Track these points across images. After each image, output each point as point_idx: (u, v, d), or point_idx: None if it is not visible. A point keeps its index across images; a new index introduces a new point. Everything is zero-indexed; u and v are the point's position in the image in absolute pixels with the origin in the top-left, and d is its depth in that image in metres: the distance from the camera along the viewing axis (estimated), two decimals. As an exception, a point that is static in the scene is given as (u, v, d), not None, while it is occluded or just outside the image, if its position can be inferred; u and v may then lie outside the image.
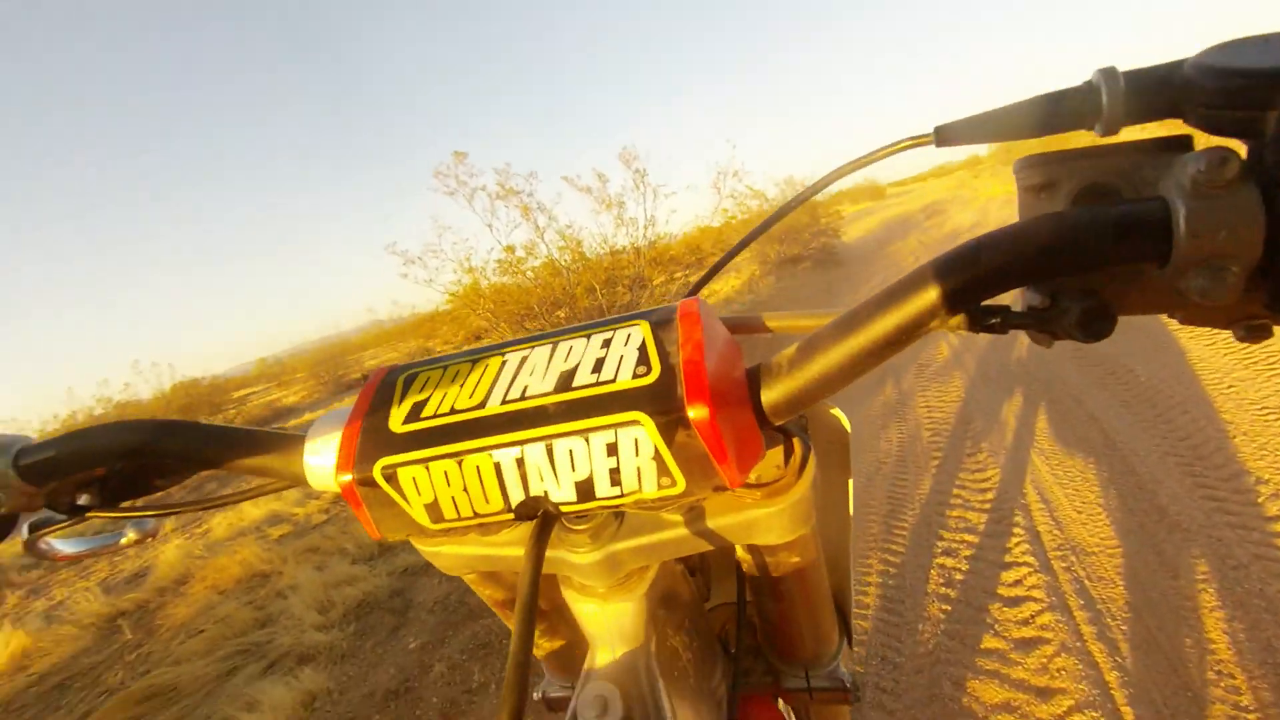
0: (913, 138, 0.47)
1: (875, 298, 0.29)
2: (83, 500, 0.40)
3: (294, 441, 0.38)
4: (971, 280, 0.27)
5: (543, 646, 0.57)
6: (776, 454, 0.37)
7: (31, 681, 3.21)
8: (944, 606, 1.83)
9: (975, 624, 1.73)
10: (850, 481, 0.51)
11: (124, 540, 0.44)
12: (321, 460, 0.36)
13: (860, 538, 2.28)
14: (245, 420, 13.19)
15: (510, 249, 5.79)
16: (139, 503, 0.42)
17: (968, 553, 2.04)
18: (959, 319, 0.31)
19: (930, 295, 0.28)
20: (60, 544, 0.43)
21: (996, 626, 1.70)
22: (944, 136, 0.42)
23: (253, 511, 4.77)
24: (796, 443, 0.37)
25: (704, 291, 0.64)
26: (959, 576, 1.94)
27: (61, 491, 0.39)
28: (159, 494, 0.42)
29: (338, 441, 0.33)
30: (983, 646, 1.65)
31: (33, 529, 0.41)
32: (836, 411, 0.48)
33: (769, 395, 0.31)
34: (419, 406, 0.33)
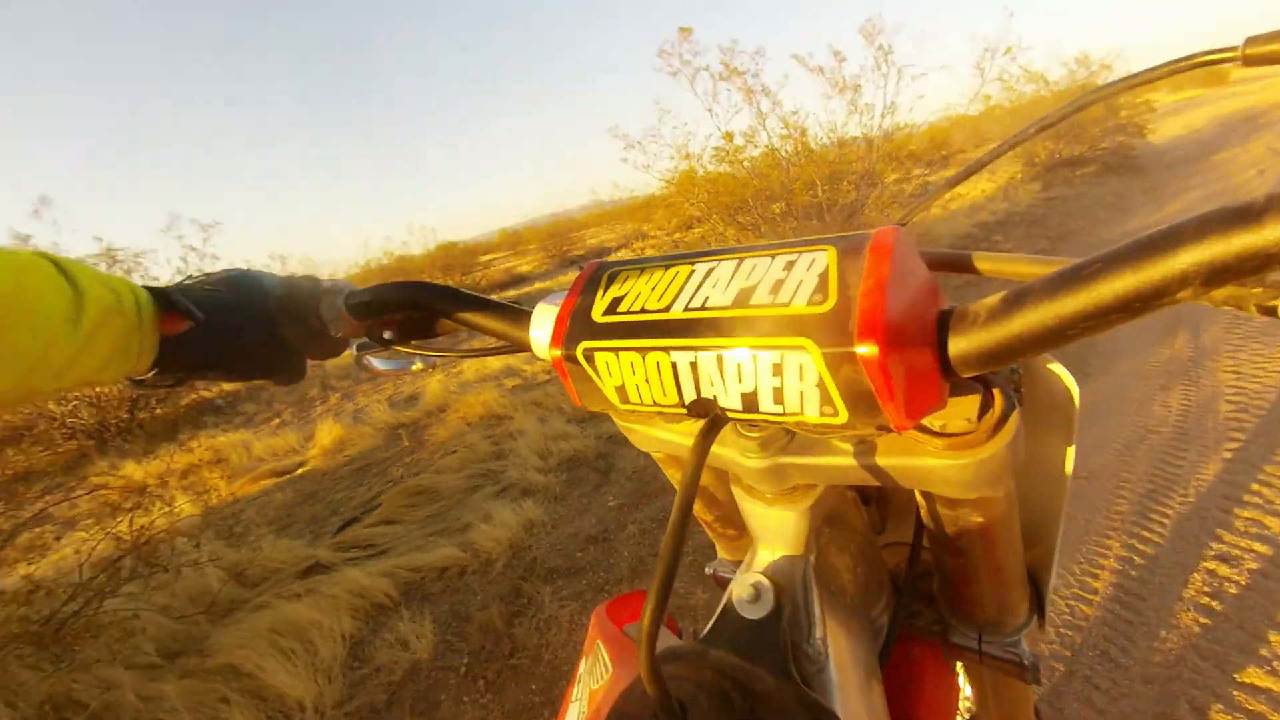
0: (1215, 50, 0.41)
1: (1112, 251, 0.24)
2: (387, 335, 0.54)
3: (524, 315, 0.46)
4: (1254, 246, 0.21)
5: (716, 530, 0.61)
6: (970, 405, 0.34)
7: (344, 462, 4.35)
8: (1203, 619, 1.54)
9: (1244, 652, 1.43)
10: (1071, 450, 0.45)
11: (414, 368, 0.58)
12: (540, 334, 0.43)
13: (1101, 511, 1.97)
14: (488, 283, 15.32)
15: (729, 136, 5.53)
16: (425, 342, 0.55)
17: (1254, 565, 1.66)
18: (1226, 294, 0.26)
19: (1185, 258, 0.22)
20: (376, 361, 0.58)
21: (1276, 663, 1.39)
22: (1255, 52, 0.35)
23: (493, 363, 5.64)
24: (997, 397, 0.33)
25: (947, 196, 0.56)
26: (1233, 590, 1.60)
27: (374, 327, 0.53)
28: (435, 338, 0.55)
29: (553, 320, 0.39)
30: (1248, 681, 1.37)
31: (358, 349, 0.57)
32: (1058, 368, 0.41)
33: (957, 345, 0.29)
34: (617, 301, 0.37)
